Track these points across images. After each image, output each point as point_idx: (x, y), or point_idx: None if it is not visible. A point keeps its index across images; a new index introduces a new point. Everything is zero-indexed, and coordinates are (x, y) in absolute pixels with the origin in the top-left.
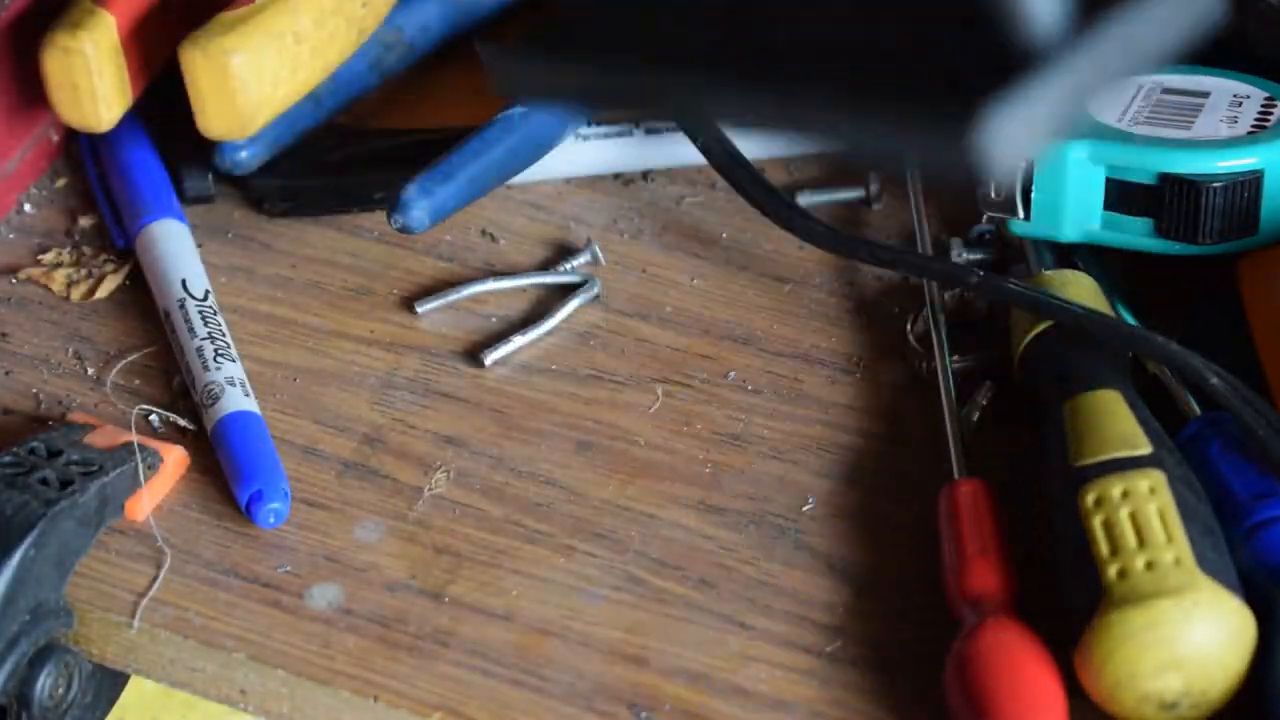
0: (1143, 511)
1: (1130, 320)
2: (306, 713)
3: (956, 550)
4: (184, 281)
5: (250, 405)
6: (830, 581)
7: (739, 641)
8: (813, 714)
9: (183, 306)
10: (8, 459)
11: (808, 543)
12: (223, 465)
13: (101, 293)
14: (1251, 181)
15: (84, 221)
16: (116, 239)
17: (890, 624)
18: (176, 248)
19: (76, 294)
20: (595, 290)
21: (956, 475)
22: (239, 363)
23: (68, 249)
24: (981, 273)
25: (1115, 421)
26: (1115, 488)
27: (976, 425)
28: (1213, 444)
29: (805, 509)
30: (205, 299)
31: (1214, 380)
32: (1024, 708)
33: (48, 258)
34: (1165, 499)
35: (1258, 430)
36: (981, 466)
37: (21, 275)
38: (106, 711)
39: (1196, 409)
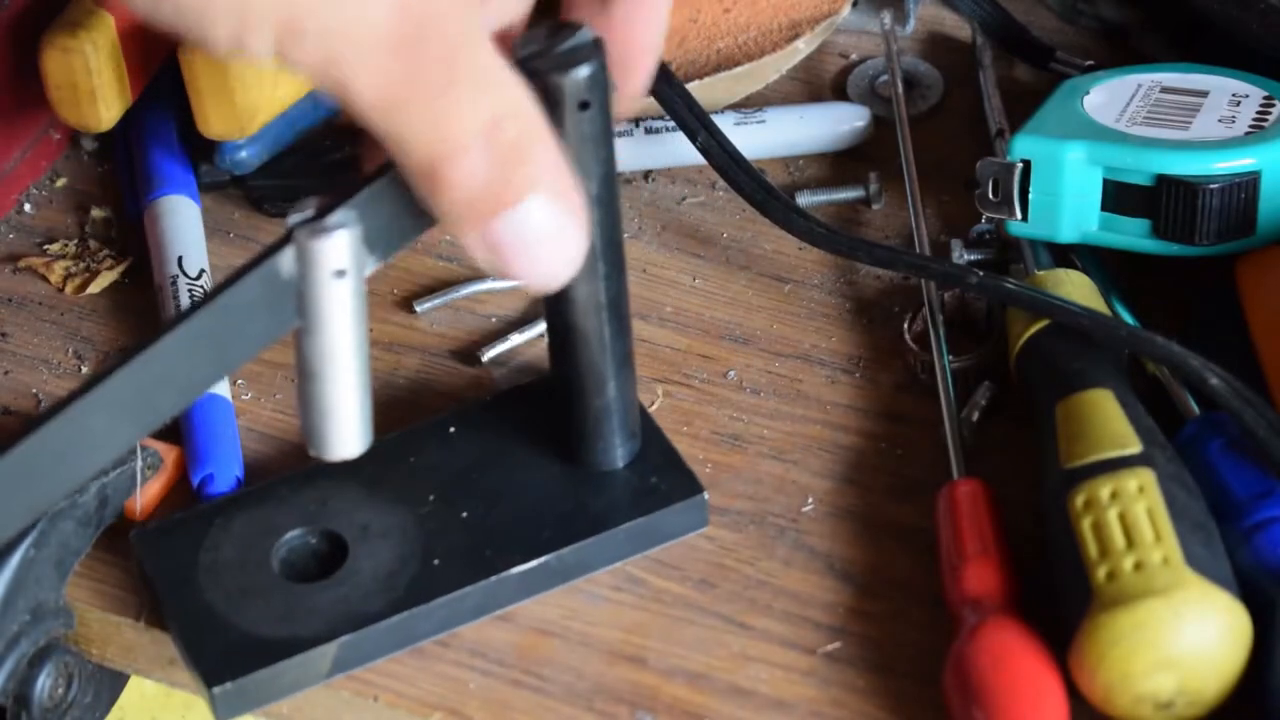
0: (1131, 511)
1: (1129, 320)
2: (306, 713)
3: (956, 550)
4: (180, 258)
5: (221, 390)
6: (830, 581)
7: (739, 641)
8: (812, 714)
9: (174, 283)
10: None
11: (808, 543)
12: (184, 444)
13: (94, 288)
14: (1248, 183)
15: (96, 213)
16: (128, 208)
17: (890, 624)
18: (180, 224)
19: (71, 287)
20: None
21: (955, 475)
22: None
23: (75, 241)
24: (980, 273)
25: (1106, 421)
26: (1104, 489)
27: (976, 425)
28: (1212, 444)
29: (805, 509)
30: (198, 278)
31: (1213, 380)
32: (1024, 708)
33: (54, 248)
34: (1154, 498)
35: (1257, 430)
36: (981, 466)
37: (22, 264)
38: (106, 711)
39: (1195, 409)
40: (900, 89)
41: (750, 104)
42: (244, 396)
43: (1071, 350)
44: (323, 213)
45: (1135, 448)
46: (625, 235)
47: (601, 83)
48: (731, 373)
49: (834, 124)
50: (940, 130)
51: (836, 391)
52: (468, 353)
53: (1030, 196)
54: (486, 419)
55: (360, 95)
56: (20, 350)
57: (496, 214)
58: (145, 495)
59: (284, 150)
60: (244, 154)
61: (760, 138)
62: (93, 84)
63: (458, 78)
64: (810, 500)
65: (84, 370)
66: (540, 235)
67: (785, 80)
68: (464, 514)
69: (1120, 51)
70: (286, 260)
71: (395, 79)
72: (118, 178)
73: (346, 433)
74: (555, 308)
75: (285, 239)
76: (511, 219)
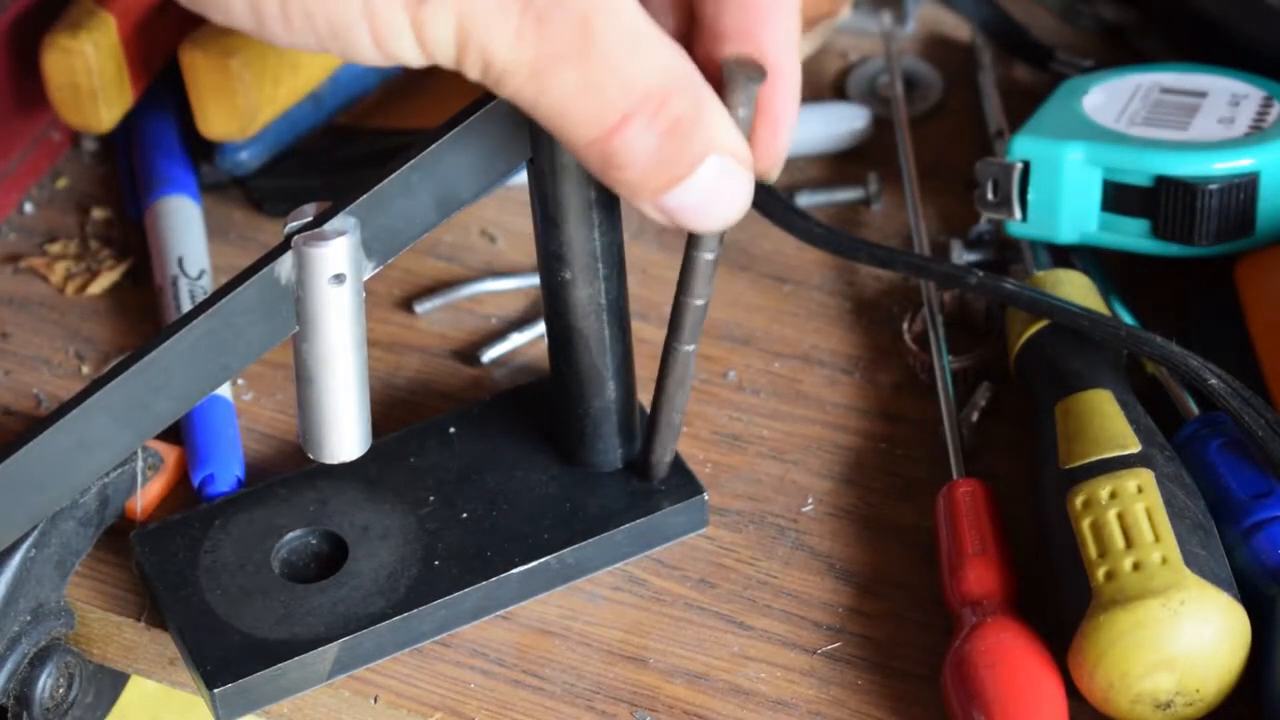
0: (1130, 511)
1: (1129, 321)
2: (307, 713)
3: (955, 550)
4: (181, 259)
5: (222, 391)
6: (830, 581)
7: (739, 641)
8: (812, 714)
9: (175, 284)
10: None
11: (807, 543)
12: (184, 445)
13: (95, 288)
14: (1247, 183)
15: (97, 214)
16: (129, 209)
17: (890, 624)
18: (181, 224)
19: (72, 288)
20: None
21: (955, 475)
22: None
23: (76, 242)
24: (980, 273)
25: (1105, 421)
26: (1103, 489)
27: (975, 425)
28: (1211, 444)
29: (805, 509)
30: (199, 278)
31: (1212, 380)
32: (1023, 708)
33: (55, 248)
34: (1153, 498)
35: (1256, 430)
36: (981, 466)
37: (23, 264)
38: (107, 711)
39: (1195, 409)
40: (900, 89)
41: None
42: (245, 397)
43: (1071, 350)
44: (321, 219)
45: (1134, 448)
46: (625, 236)
47: None
48: (731, 373)
49: (834, 124)
50: (940, 130)
51: (836, 391)
52: (468, 353)
53: (1029, 197)
54: (487, 419)
55: (504, 66)
56: (21, 351)
57: (673, 187)
58: (146, 495)
59: (284, 151)
60: (244, 155)
61: None
62: (94, 84)
63: (598, 38)
64: (810, 500)
65: (85, 371)
66: (715, 193)
67: None
68: (464, 514)
69: (1120, 51)
70: (284, 266)
71: (531, 40)
72: (118, 178)
73: (344, 437)
74: (555, 309)
75: (283, 245)
76: (687, 187)
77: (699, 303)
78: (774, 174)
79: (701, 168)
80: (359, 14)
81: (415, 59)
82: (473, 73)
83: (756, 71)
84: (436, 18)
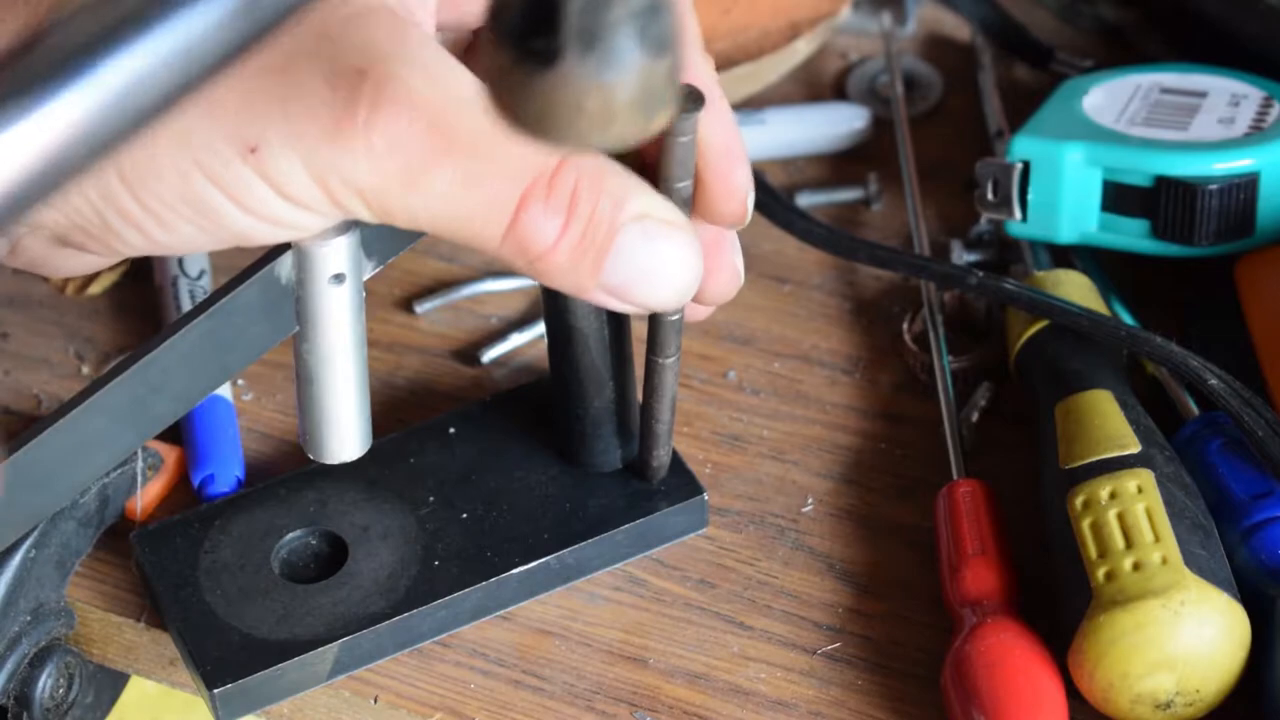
0: (1130, 512)
1: (1129, 321)
2: (307, 713)
3: (955, 550)
4: (180, 259)
5: (222, 391)
6: (830, 581)
7: (739, 641)
8: (812, 714)
9: (175, 284)
10: None
11: (807, 543)
12: (185, 445)
13: (95, 288)
14: (1247, 184)
15: None
16: None
17: (890, 624)
18: None
19: (71, 288)
20: None
21: (955, 475)
22: None
23: None
24: (980, 273)
25: (1105, 422)
26: (1103, 489)
27: (975, 425)
28: (1211, 444)
29: (805, 509)
30: (199, 278)
31: (1212, 381)
32: (1023, 708)
33: None
34: (1153, 498)
35: (1256, 431)
36: (980, 466)
37: None
38: (107, 712)
39: (1195, 409)
40: (900, 89)
41: (750, 105)
42: (245, 397)
43: (1071, 351)
44: None
45: (1134, 448)
46: None
47: None
48: (731, 373)
49: (834, 124)
50: (940, 131)
51: (836, 392)
52: (468, 353)
53: (1029, 197)
54: (486, 420)
55: (376, 189)
56: (21, 350)
57: (601, 265)
58: (146, 496)
59: None
60: None
61: (760, 138)
62: None
63: (458, 131)
64: (810, 500)
65: (85, 371)
66: (651, 260)
67: (785, 80)
68: (464, 515)
69: (1120, 52)
70: (285, 266)
71: (384, 153)
72: None
73: (344, 437)
74: (554, 309)
75: (284, 245)
76: (616, 261)
77: (674, 318)
78: (745, 214)
79: (620, 237)
80: (203, 181)
81: (294, 215)
82: (361, 212)
83: (694, 97)
84: (278, 158)
